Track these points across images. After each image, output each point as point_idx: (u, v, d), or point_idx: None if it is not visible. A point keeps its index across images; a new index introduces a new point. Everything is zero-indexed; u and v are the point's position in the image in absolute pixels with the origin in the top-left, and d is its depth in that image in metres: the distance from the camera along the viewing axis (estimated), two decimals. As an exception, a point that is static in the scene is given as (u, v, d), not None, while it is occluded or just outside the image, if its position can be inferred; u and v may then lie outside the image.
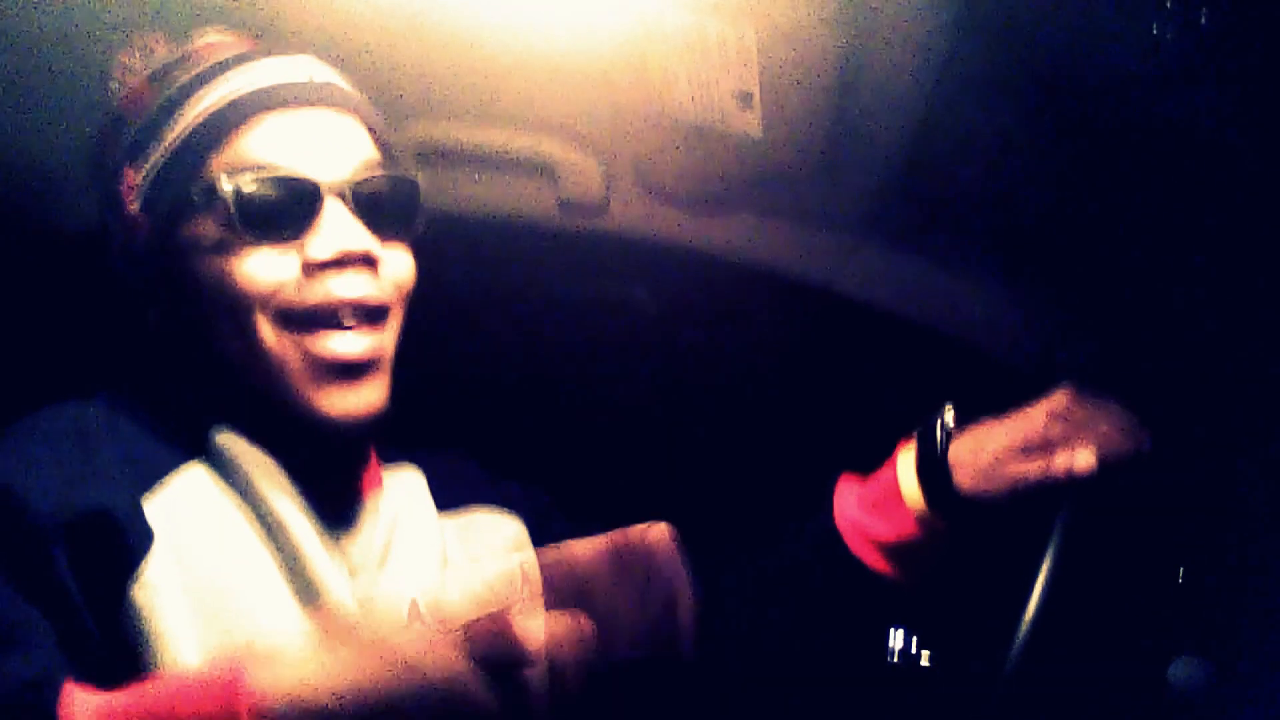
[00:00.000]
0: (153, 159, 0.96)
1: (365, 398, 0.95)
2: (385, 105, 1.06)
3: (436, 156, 1.47)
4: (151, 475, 0.90)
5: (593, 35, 1.23)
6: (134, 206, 0.96)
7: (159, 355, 0.99)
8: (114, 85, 1.02)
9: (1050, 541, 1.19)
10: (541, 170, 1.50)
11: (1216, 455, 1.21)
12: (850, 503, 1.13)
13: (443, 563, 1.06)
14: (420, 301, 1.02)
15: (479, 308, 1.70)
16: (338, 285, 0.93)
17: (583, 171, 1.48)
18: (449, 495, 1.12)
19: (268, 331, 0.92)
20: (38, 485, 0.84)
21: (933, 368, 1.54)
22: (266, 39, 1.04)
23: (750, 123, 1.29)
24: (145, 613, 0.85)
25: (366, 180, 0.96)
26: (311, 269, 0.92)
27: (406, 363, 1.01)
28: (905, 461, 1.09)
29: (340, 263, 0.93)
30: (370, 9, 1.23)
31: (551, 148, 1.47)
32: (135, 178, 0.96)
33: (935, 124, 1.24)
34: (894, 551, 1.09)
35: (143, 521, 0.87)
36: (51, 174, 1.36)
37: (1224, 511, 1.21)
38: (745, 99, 1.26)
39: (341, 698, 0.71)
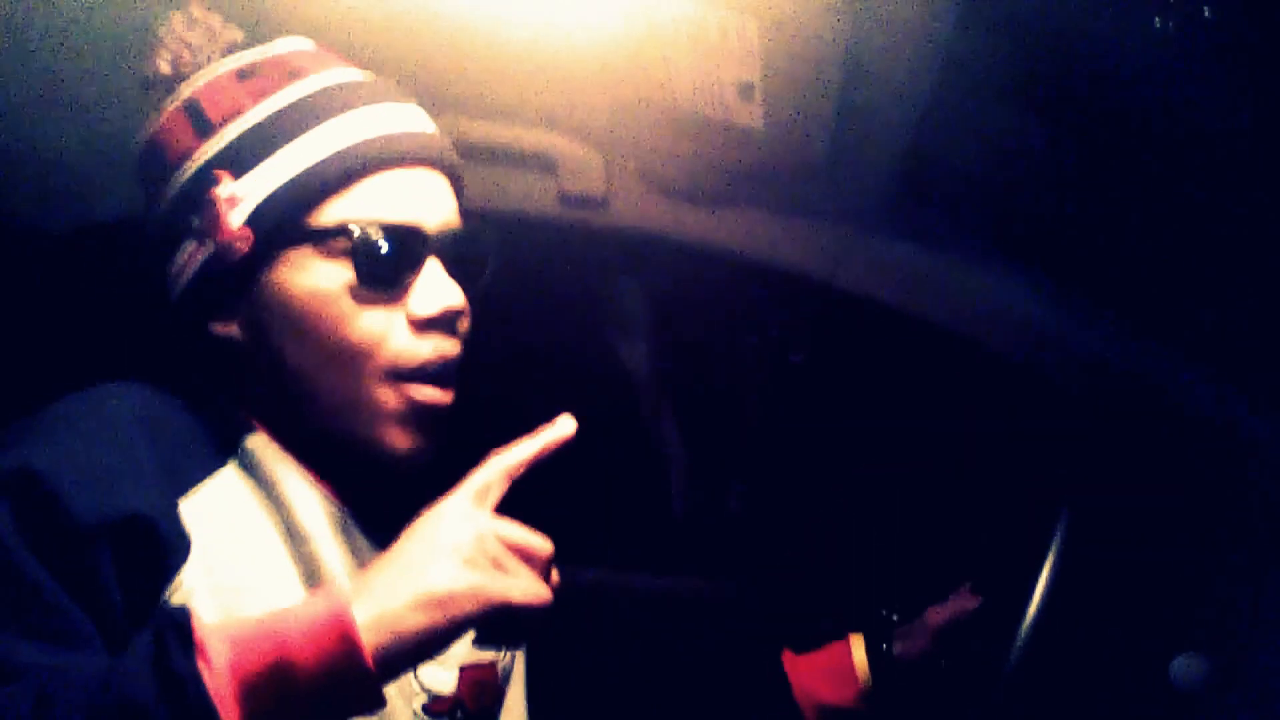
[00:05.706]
0: (262, 174, 0.93)
1: (437, 440, 0.98)
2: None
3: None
4: (185, 475, 0.89)
5: (593, 27, 1.23)
6: (234, 217, 0.93)
7: (210, 357, 0.98)
8: (165, 53, 0.99)
9: (1052, 541, 1.19)
10: (542, 163, 1.49)
11: (1217, 455, 1.21)
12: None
13: None
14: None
15: (478, 301, 1.69)
16: (438, 343, 0.95)
17: (584, 164, 1.48)
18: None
19: (369, 379, 0.93)
20: (76, 482, 0.81)
21: (934, 362, 1.54)
22: (258, 32, 1.03)
23: (752, 115, 1.29)
24: None
25: (457, 236, 0.98)
26: (416, 324, 0.94)
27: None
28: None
29: (442, 320, 0.95)
30: (371, 4, 1.23)
31: (552, 140, 1.46)
32: (235, 186, 0.93)
33: (938, 116, 1.24)
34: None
35: (180, 526, 0.86)
36: (52, 168, 1.36)
37: (1224, 511, 1.21)
38: (747, 91, 1.25)
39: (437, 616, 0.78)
